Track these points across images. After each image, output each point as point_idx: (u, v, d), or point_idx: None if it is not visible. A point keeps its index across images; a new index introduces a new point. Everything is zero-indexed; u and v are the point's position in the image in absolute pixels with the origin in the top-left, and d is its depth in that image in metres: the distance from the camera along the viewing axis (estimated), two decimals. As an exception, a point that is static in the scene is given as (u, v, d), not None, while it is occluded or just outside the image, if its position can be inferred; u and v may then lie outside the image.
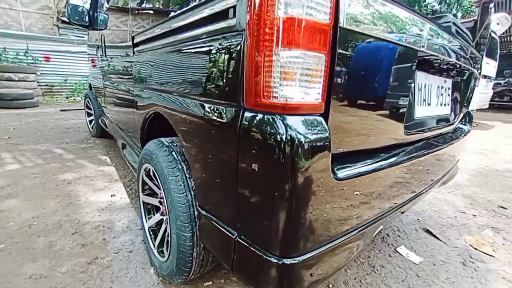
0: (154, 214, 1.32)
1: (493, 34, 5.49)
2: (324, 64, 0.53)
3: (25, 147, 2.96)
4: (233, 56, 0.60)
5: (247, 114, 0.58)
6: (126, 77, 1.64)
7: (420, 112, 0.96)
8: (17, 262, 1.21)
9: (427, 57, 0.88)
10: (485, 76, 5.50)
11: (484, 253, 1.52)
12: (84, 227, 1.54)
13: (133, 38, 1.36)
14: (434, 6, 0.86)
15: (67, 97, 8.23)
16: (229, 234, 0.70)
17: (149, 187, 1.30)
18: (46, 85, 7.97)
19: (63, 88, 8.25)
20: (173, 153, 1.03)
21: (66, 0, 11.15)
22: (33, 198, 1.81)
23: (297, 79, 0.51)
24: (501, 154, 3.82)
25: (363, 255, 1.45)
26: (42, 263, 1.22)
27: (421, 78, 0.94)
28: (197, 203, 0.92)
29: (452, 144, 1.26)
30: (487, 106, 6.36)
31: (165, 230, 1.18)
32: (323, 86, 0.55)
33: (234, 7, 0.57)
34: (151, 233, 1.30)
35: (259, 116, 0.55)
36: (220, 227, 0.74)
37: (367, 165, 0.72)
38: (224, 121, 0.67)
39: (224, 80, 0.65)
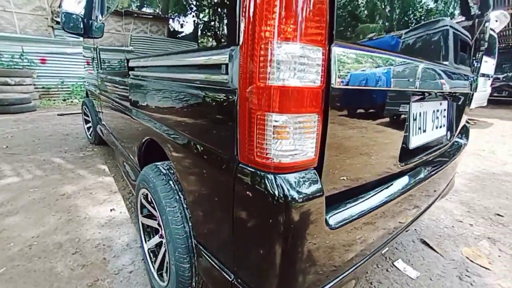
0: (153, 236, 1.34)
1: (491, 32, 5.46)
2: (317, 123, 0.54)
3: (24, 158, 2.95)
4: (227, 110, 0.60)
5: (242, 168, 0.58)
6: (122, 96, 1.63)
7: (416, 141, 0.97)
8: (19, 288, 1.23)
9: (422, 92, 0.89)
10: (483, 75, 5.49)
11: (480, 266, 1.54)
12: (84, 246, 1.55)
13: (128, 60, 1.35)
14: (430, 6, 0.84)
15: (64, 100, 8.18)
16: (227, 276, 0.71)
17: (147, 209, 1.31)
18: (43, 87, 7.92)
19: (60, 91, 8.20)
20: (170, 182, 1.04)
21: (59, 2, 11.03)
22: (33, 215, 1.82)
23: (290, 140, 0.51)
24: (498, 155, 3.84)
25: (361, 271, 1.47)
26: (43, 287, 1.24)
27: (416, 108, 0.95)
28: (194, 234, 0.93)
29: (449, 162, 1.28)
30: (485, 104, 6.36)
31: (164, 253, 1.20)
32: (316, 143, 0.55)
33: (226, 65, 0.56)
34: (151, 254, 1.32)
35: (253, 171, 0.56)
36: (217, 267, 0.76)
37: (361, 204, 0.73)
38: (219, 167, 0.67)
39: (219, 131, 0.66)
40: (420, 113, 0.98)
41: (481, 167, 3.28)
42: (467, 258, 1.61)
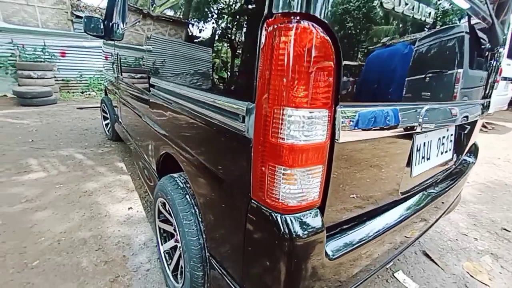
0: (169, 239, 1.46)
1: (516, 34, 5.22)
2: (321, 171, 0.61)
3: (48, 152, 3.16)
4: (242, 154, 0.68)
5: (253, 203, 0.67)
6: (143, 108, 1.73)
7: (418, 170, 1.01)
8: (50, 281, 1.38)
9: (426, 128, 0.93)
10: (505, 78, 5.29)
11: (480, 282, 1.58)
12: (106, 243, 1.70)
13: (149, 77, 1.45)
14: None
15: (82, 92, 8.48)
16: None
17: (164, 215, 1.42)
18: (63, 80, 8.23)
19: (79, 83, 8.51)
20: (187, 196, 1.14)
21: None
22: (60, 211, 1.99)
23: (297, 186, 0.59)
24: (513, 164, 3.76)
25: (362, 281, 1.54)
26: (72, 281, 1.39)
27: (420, 139, 0.99)
28: (208, 246, 1.03)
29: (454, 183, 1.31)
30: (505, 108, 6.14)
31: (179, 257, 1.31)
32: (320, 187, 0.63)
33: (243, 116, 0.64)
34: (166, 256, 1.44)
35: (264, 209, 0.64)
36: (228, 282, 0.85)
37: (359, 233, 0.80)
38: (233, 197, 0.76)
39: (234, 168, 0.74)
40: (424, 143, 1.02)
41: (493, 177, 3.24)
42: (468, 273, 1.65)
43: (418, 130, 0.82)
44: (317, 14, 0.51)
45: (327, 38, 0.52)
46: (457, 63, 0.96)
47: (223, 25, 0.75)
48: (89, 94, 8.42)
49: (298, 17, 0.50)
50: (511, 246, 1.92)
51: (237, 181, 0.73)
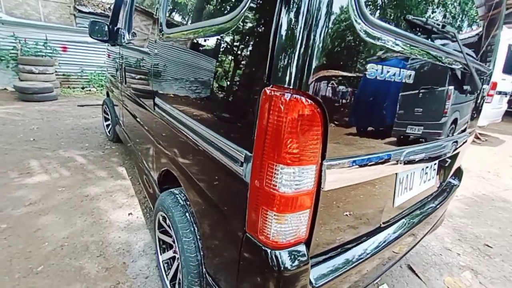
0: (167, 250, 1.54)
1: (512, 48, 5.34)
2: (308, 214, 0.70)
3: (50, 153, 3.22)
4: (239, 194, 0.76)
5: (248, 236, 0.75)
6: (147, 123, 1.80)
7: (400, 200, 1.10)
8: (55, 286, 1.46)
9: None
10: (499, 92, 5.40)
11: (459, 297, 1.69)
12: (107, 249, 1.79)
13: (154, 96, 1.52)
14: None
15: (82, 88, 8.51)
16: None
17: (164, 228, 1.51)
18: (64, 75, 8.24)
19: (79, 79, 8.52)
20: (187, 214, 1.22)
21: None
22: (62, 215, 2.07)
23: (287, 226, 0.68)
24: (502, 178, 3.88)
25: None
26: (75, 287, 1.47)
27: (403, 171, 1.08)
28: (205, 263, 1.12)
29: (437, 207, 1.41)
30: (499, 120, 6.27)
31: (177, 267, 1.40)
32: (307, 226, 0.72)
33: (242, 162, 0.73)
34: (165, 266, 1.53)
35: (257, 243, 0.73)
36: None
37: (343, 259, 0.90)
38: (229, 225, 0.85)
39: (231, 203, 0.83)
40: (407, 175, 1.11)
41: (481, 191, 3.35)
42: (448, 287, 1.76)
43: (400, 171, 0.91)
44: (306, 90, 0.59)
45: (315, 107, 0.61)
46: (440, 111, 1.06)
47: (230, 77, 0.83)
48: (90, 90, 8.44)
49: (290, 90, 0.59)
50: (491, 263, 2.03)
51: (234, 213, 0.82)
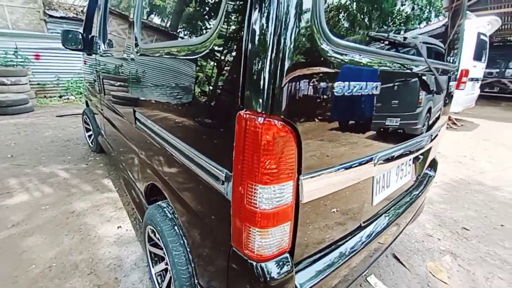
0: (159, 262, 1.55)
1: (482, 37, 5.61)
2: (290, 226, 0.74)
3: (30, 170, 3.11)
4: (223, 211, 0.78)
5: (234, 250, 0.78)
6: (128, 135, 1.78)
7: (378, 199, 1.16)
8: (47, 309, 1.45)
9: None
10: (472, 79, 5.67)
11: (440, 280, 1.81)
12: (97, 266, 1.77)
13: (134, 111, 1.51)
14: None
15: (60, 96, 8.19)
16: None
17: (154, 241, 1.52)
18: (38, 84, 7.89)
19: (56, 87, 8.19)
20: (176, 227, 1.24)
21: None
22: (48, 235, 2.02)
23: (269, 239, 0.71)
24: (478, 162, 4.10)
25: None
26: (67, 308, 1.46)
27: (380, 171, 1.13)
28: (197, 274, 1.14)
29: (415, 199, 1.49)
30: (473, 105, 6.59)
31: (170, 280, 1.41)
32: (289, 237, 0.75)
33: (223, 181, 0.75)
34: (158, 278, 1.54)
35: (242, 256, 0.76)
36: None
37: (326, 261, 0.95)
38: (216, 240, 0.88)
39: (216, 220, 0.85)
40: (383, 175, 1.18)
41: (459, 176, 3.54)
42: (430, 272, 1.87)
43: (375, 174, 0.96)
44: (278, 113, 0.62)
45: (288, 127, 0.64)
46: (410, 114, 1.13)
47: (206, 98, 0.84)
48: (68, 99, 8.14)
49: (263, 114, 0.62)
50: (468, 245, 2.17)
51: (219, 228, 0.85)
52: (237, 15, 0.67)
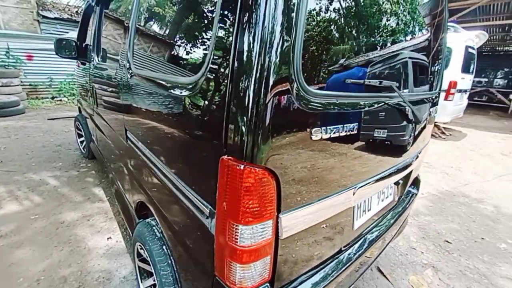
0: (148, 278, 1.58)
1: (470, 50, 5.79)
2: (270, 259, 0.78)
3: (20, 177, 3.09)
4: (206, 244, 0.83)
5: (217, 279, 0.83)
6: (119, 147, 1.81)
7: (359, 222, 1.22)
8: (34, 325, 1.46)
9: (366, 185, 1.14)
10: (460, 90, 5.84)
11: (421, 294, 1.87)
12: (86, 279, 1.78)
13: (126, 130, 1.54)
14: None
15: (52, 98, 8.10)
16: None
17: (143, 256, 1.54)
18: (30, 85, 7.80)
19: (48, 88, 8.10)
20: (164, 247, 1.27)
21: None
22: (37, 246, 2.03)
23: (250, 272, 0.76)
24: (463, 172, 4.23)
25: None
26: (55, 323, 1.47)
27: (360, 199, 1.19)
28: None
29: (397, 217, 1.55)
30: (461, 115, 6.77)
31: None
32: (269, 269, 0.80)
33: (207, 216, 0.80)
34: (146, 294, 1.56)
35: (224, 286, 0.80)
36: None
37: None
38: (202, 267, 0.92)
39: (200, 250, 0.89)
40: (364, 200, 1.23)
41: (444, 187, 3.65)
42: (412, 286, 1.94)
43: (354, 204, 1.02)
44: (258, 161, 0.67)
45: (268, 173, 0.69)
46: (391, 149, 1.19)
47: (193, 135, 0.88)
48: (60, 100, 8.06)
49: (244, 162, 0.66)
50: (450, 258, 2.25)
51: (204, 256, 0.89)
52: (221, 68, 0.72)
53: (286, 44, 0.64)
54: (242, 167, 0.66)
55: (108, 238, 2.19)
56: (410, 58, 1.20)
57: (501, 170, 4.41)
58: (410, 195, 1.83)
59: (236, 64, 0.65)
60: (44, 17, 8.69)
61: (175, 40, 1.09)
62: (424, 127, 1.55)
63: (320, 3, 0.73)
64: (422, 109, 1.38)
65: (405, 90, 1.20)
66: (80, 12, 9.66)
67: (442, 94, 5.49)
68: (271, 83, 0.64)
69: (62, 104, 7.90)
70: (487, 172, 4.29)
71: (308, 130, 0.75)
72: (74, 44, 3.00)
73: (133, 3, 1.43)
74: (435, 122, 5.89)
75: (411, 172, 1.62)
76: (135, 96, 1.38)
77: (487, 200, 3.32)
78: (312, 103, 0.74)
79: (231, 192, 0.68)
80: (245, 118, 0.64)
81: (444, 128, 6.71)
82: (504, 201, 3.33)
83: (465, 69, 5.74)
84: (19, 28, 8.33)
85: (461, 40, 5.41)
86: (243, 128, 0.65)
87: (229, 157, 0.69)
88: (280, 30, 0.62)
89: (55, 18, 9.03)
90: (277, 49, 0.63)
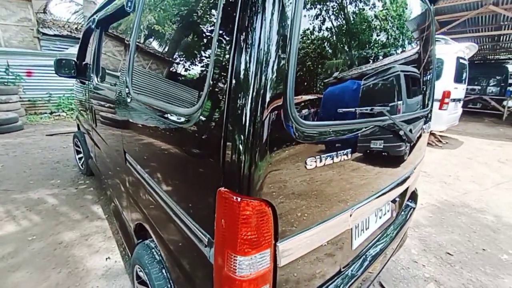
0: (147, 301, 1.55)
1: (462, 61, 5.93)
2: (269, 286, 0.79)
3: (18, 196, 3.07)
4: (205, 273, 0.83)
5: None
6: (118, 169, 1.82)
7: (358, 242, 1.22)
8: None
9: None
10: (453, 100, 5.94)
11: (424, 310, 1.85)
12: (84, 303, 1.75)
13: (125, 152, 1.56)
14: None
15: (51, 113, 8.13)
16: None
17: (142, 279, 1.53)
18: (29, 100, 7.84)
19: (47, 104, 8.14)
20: (163, 270, 1.26)
21: (45, 6, 10.82)
22: (35, 269, 2.00)
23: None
24: (462, 181, 4.25)
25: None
26: None
27: (357, 217, 1.19)
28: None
29: (397, 233, 1.56)
30: (457, 123, 6.85)
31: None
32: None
33: (206, 245, 0.81)
34: (145, 317, 1.53)
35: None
36: None
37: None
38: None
39: (201, 275, 0.90)
40: (362, 221, 1.24)
41: (443, 197, 3.66)
42: (415, 302, 1.92)
43: (352, 226, 1.04)
44: (254, 193, 0.69)
45: (265, 204, 0.71)
46: (387, 172, 1.22)
47: (192, 166, 0.90)
48: (59, 115, 8.09)
49: (241, 195, 0.68)
50: (452, 271, 2.24)
51: (202, 283, 0.89)
52: (217, 104, 0.74)
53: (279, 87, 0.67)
54: (239, 199, 0.68)
55: (106, 259, 2.16)
56: (402, 71, 1.24)
57: (499, 178, 4.43)
58: (409, 209, 1.84)
59: (231, 103, 0.68)
60: (44, 34, 8.85)
61: (173, 69, 1.12)
62: (418, 143, 1.58)
63: (313, 23, 0.76)
64: (415, 127, 1.42)
65: (399, 102, 1.23)
66: (80, 28, 9.85)
67: (437, 104, 5.58)
68: (266, 125, 0.66)
69: (60, 119, 7.92)
70: (485, 181, 4.31)
71: (303, 159, 0.77)
72: (73, 63, 3.07)
73: (132, 28, 1.47)
74: (431, 131, 5.96)
75: (407, 188, 1.63)
76: (134, 120, 1.40)
77: (486, 210, 3.32)
78: (305, 134, 0.76)
79: (228, 223, 0.70)
80: (241, 152, 0.67)
81: (441, 136, 6.78)
82: (504, 210, 3.34)
83: (458, 79, 5.86)
84: (19, 45, 8.46)
85: (452, 51, 5.56)
86: (240, 161, 0.67)
87: (226, 189, 0.71)
88: None
89: (55, 35, 9.19)
90: (269, 102, 0.66)
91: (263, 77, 0.64)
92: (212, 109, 0.76)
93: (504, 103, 11.13)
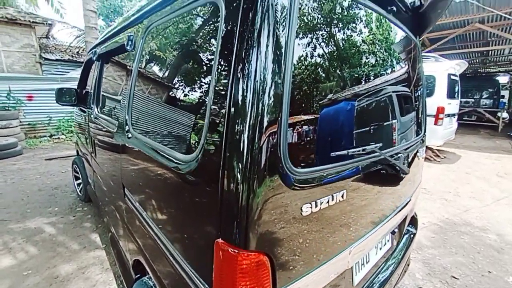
0: None
1: (453, 77, 6.10)
2: None
3: (14, 226, 3.03)
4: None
5: None
6: (117, 201, 1.81)
7: (359, 277, 1.21)
8: None
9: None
10: (448, 115, 6.04)
11: None
12: None
13: (124, 186, 1.57)
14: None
15: (50, 136, 8.17)
16: None
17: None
18: (29, 124, 7.91)
19: (47, 127, 8.20)
20: (162, 312, 1.24)
21: (47, 32, 11.17)
22: (29, 307, 1.94)
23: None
24: (462, 198, 4.23)
25: None
26: None
27: (356, 253, 1.17)
28: None
29: (400, 261, 1.54)
30: (453, 137, 6.93)
31: None
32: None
33: (206, 274, 0.80)
34: None
35: None
36: None
37: None
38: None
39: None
40: (362, 257, 1.23)
41: (445, 215, 3.63)
42: (422, 332, 1.86)
43: (352, 264, 1.03)
44: (252, 247, 0.70)
45: (262, 255, 0.72)
46: (383, 204, 1.23)
47: (188, 214, 0.91)
48: (58, 138, 8.12)
49: (238, 248, 0.69)
50: (458, 297, 2.18)
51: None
52: (215, 153, 0.76)
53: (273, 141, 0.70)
54: (236, 252, 0.69)
55: (104, 293, 2.10)
56: (393, 92, 1.29)
57: (498, 193, 4.42)
58: (409, 234, 1.83)
59: (228, 153, 0.71)
60: (46, 59, 9.08)
61: (173, 111, 1.16)
62: (414, 170, 1.60)
63: (305, 53, 0.80)
64: (410, 156, 1.44)
65: (393, 121, 1.27)
66: (81, 52, 10.12)
67: (432, 119, 5.67)
68: (260, 167, 0.69)
69: (60, 142, 7.95)
70: (485, 196, 4.30)
71: (298, 207, 0.78)
72: (74, 91, 3.15)
73: (132, 66, 1.52)
74: (427, 146, 6.02)
75: (406, 215, 1.63)
76: (133, 158, 1.42)
77: (488, 228, 3.29)
78: (299, 183, 0.78)
79: (226, 274, 0.70)
80: (238, 206, 0.68)
81: (438, 150, 6.83)
82: (506, 227, 3.31)
83: (451, 94, 6.00)
84: (21, 70, 8.65)
85: (443, 69, 5.73)
86: (237, 215, 0.69)
87: (223, 241, 0.72)
88: None
89: (56, 60, 9.43)
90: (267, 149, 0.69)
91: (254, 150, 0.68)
92: (210, 161, 0.78)
93: (499, 114, 11.31)
